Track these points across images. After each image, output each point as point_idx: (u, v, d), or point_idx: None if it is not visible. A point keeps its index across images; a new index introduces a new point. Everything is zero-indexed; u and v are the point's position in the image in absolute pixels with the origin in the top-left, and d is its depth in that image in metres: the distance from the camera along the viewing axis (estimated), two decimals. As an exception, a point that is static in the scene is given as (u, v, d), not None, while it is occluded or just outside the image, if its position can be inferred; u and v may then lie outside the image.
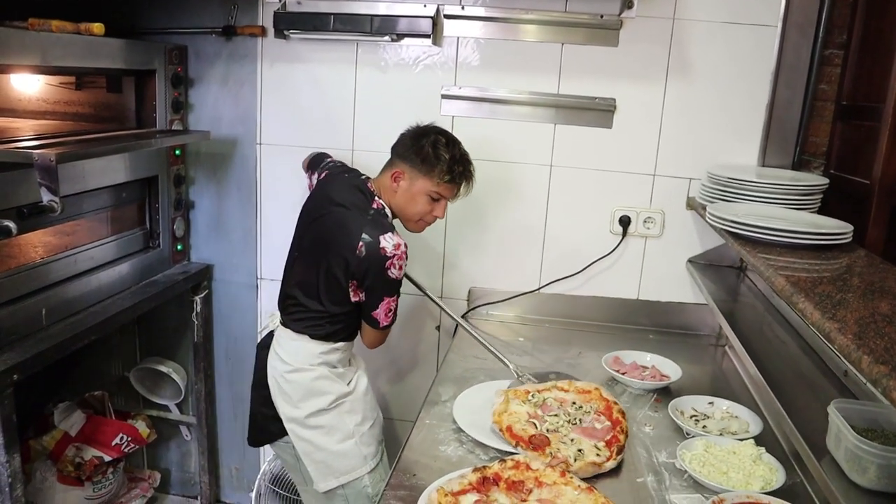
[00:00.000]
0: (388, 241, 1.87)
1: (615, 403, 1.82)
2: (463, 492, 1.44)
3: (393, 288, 1.95)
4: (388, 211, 2.01)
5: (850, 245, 1.80)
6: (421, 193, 1.98)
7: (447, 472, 1.55)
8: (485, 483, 1.47)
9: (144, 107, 2.56)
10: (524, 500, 1.44)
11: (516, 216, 2.57)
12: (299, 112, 2.62)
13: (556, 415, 1.76)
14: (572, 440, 1.67)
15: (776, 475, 1.57)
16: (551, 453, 1.60)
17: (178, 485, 3.13)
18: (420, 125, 2.06)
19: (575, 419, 1.76)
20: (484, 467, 1.51)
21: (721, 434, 1.77)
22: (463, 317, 2.58)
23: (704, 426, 1.81)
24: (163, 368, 2.88)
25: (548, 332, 2.53)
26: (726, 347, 2.43)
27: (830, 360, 1.73)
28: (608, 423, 1.75)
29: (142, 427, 2.80)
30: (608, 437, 1.69)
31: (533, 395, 1.82)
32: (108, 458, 2.62)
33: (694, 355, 2.37)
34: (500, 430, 1.68)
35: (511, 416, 1.72)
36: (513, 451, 1.64)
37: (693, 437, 1.74)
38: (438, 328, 2.70)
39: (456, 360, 2.21)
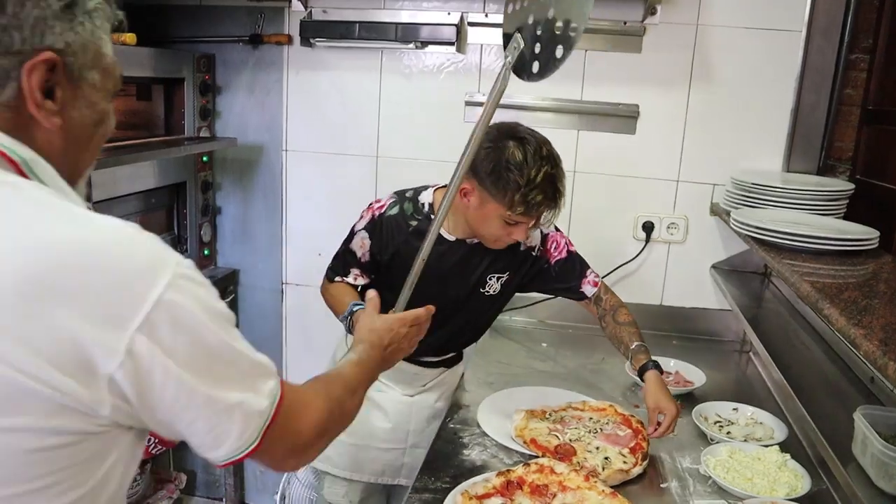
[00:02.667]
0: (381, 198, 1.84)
1: (632, 416, 1.82)
2: (487, 495, 1.45)
3: (349, 234, 1.86)
4: (427, 199, 1.81)
5: (877, 251, 1.79)
6: (493, 217, 1.67)
7: (471, 475, 1.56)
8: (509, 487, 1.48)
9: (173, 114, 2.61)
10: (548, 504, 1.45)
11: (539, 222, 2.58)
12: (325, 119, 2.65)
13: (575, 428, 1.75)
14: (597, 448, 1.66)
15: (801, 482, 1.57)
16: (578, 462, 1.60)
17: (203, 486, 3.17)
18: (504, 124, 1.70)
19: (596, 429, 1.75)
20: (508, 471, 1.52)
21: (745, 440, 1.77)
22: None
23: (729, 432, 1.81)
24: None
25: (571, 337, 2.53)
26: (750, 353, 2.42)
27: (856, 367, 1.72)
28: (629, 430, 1.75)
29: (169, 429, 2.84)
30: (632, 444, 1.68)
31: (550, 414, 1.81)
32: (136, 460, 2.66)
33: (718, 361, 2.36)
34: (524, 443, 1.68)
35: (533, 431, 1.72)
36: (537, 455, 1.65)
37: (717, 442, 1.74)
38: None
39: (480, 364, 2.22)
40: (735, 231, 1.97)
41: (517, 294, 2.57)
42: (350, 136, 2.64)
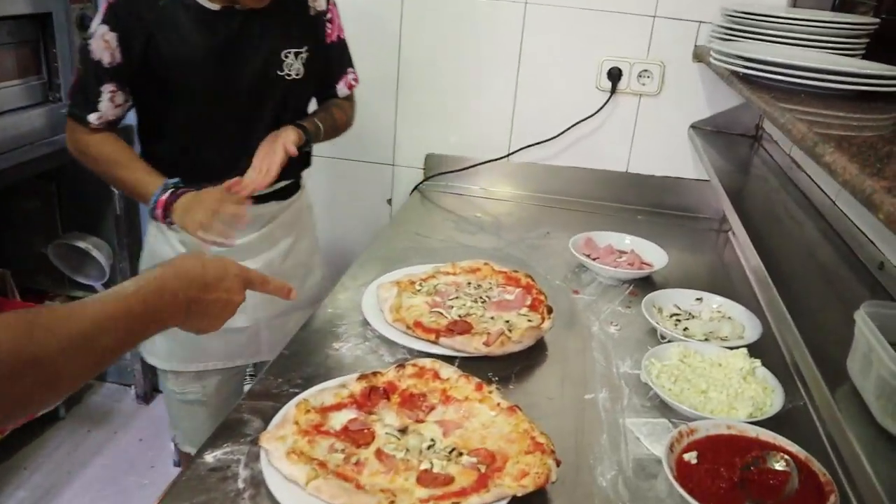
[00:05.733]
0: None
1: (515, 271, 1.52)
2: (338, 406, 1.06)
3: (82, 50, 1.39)
4: None
5: (904, 96, 1.33)
6: None
7: (334, 376, 1.17)
8: (372, 396, 1.09)
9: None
10: (420, 421, 1.06)
11: (481, 67, 2.09)
12: None
13: (456, 297, 1.42)
14: (492, 318, 1.35)
15: (771, 397, 1.18)
16: (480, 332, 1.29)
17: (112, 372, 2.83)
18: None
19: (481, 297, 1.43)
20: (374, 374, 1.12)
21: (706, 339, 1.37)
22: (416, 188, 2.17)
23: (686, 329, 1.40)
24: (82, 244, 2.52)
25: (515, 207, 2.10)
26: (730, 234, 2.00)
27: (862, 249, 1.29)
28: (519, 289, 1.45)
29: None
30: (528, 302, 1.42)
31: (420, 285, 1.45)
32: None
33: (690, 242, 1.95)
34: (408, 327, 1.29)
35: (411, 311, 1.34)
36: (428, 351, 1.25)
37: (669, 341, 1.34)
38: (390, 201, 2.27)
39: (391, 236, 1.80)
40: (714, 67, 1.50)
41: (456, 155, 2.15)
42: None
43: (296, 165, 1.59)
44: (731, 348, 1.30)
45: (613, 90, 2.02)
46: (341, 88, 1.64)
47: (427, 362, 1.15)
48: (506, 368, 1.25)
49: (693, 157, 2.05)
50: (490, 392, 1.10)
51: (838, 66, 1.26)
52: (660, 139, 2.06)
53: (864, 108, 1.24)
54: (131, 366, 2.75)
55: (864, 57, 1.61)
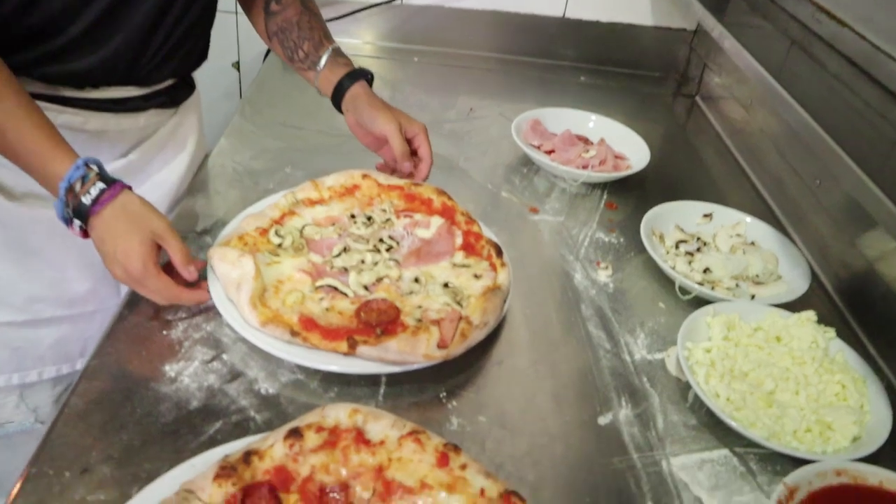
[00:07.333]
0: None
1: (413, 185, 0.98)
2: (183, 548, 0.55)
3: None
4: None
5: None
6: None
7: (168, 447, 0.65)
8: (249, 500, 0.58)
9: None
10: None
11: None
12: None
13: (344, 251, 0.88)
14: (417, 280, 0.85)
15: (865, 396, 0.78)
16: (420, 321, 0.77)
17: None
18: None
19: (383, 243, 0.90)
20: (246, 456, 0.60)
21: (737, 286, 0.94)
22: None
23: (707, 269, 0.96)
24: None
25: (416, 70, 1.54)
26: (697, 98, 1.55)
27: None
28: (438, 219, 0.93)
29: None
30: (460, 241, 0.92)
31: (278, 234, 0.88)
32: None
33: (648, 111, 1.51)
34: (293, 332, 0.75)
35: (287, 297, 0.80)
36: (331, 370, 0.74)
37: (690, 296, 0.90)
38: (237, 66, 1.63)
39: (246, 130, 1.21)
40: None
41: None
42: None
43: (191, 60, 0.96)
44: (781, 306, 0.88)
45: None
46: None
47: (342, 414, 0.64)
48: (456, 373, 0.77)
49: (649, -3, 1.54)
50: (462, 467, 0.61)
51: None
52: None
53: None
54: None
55: None
